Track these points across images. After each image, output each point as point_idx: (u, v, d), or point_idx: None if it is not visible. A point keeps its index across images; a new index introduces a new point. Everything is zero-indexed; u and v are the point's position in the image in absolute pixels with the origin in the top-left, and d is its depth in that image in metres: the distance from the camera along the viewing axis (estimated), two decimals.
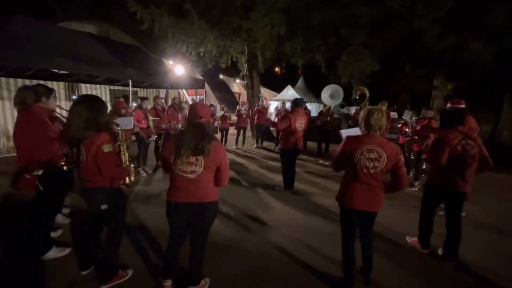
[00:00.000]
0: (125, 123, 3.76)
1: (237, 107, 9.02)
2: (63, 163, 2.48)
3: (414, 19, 6.83)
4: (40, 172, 2.36)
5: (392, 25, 7.52)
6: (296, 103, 4.51)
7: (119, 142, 2.09)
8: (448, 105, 3.66)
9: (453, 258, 2.61)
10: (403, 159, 2.02)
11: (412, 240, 2.96)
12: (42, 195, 2.48)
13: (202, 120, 1.82)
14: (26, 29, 5.13)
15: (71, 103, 7.93)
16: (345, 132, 3.08)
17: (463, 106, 3.56)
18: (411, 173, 5.06)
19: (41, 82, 6.78)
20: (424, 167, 4.88)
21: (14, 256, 2.54)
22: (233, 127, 9.13)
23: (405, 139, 4.88)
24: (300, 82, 18.48)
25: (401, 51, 9.17)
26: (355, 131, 3.12)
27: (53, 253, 2.51)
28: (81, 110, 1.91)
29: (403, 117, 5.23)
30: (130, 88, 6.51)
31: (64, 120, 2.72)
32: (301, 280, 2.34)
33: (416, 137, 4.56)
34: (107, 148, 1.92)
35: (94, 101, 2.02)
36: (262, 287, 2.24)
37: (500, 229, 3.44)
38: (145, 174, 5.29)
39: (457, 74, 9.32)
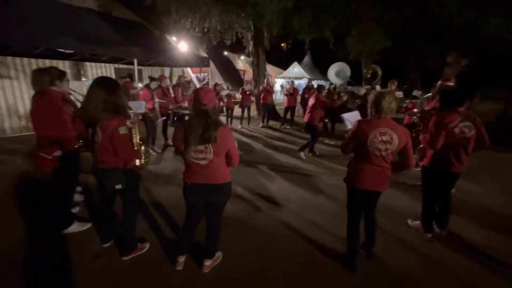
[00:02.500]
0: (137, 107, 3.81)
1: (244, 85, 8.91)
2: (79, 144, 2.56)
3: None
4: (60, 153, 2.47)
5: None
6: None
7: (131, 125, 2.14)
8: (439, 82, 3.67)
9: (445, 227, 2.83)
10: (410, 142, 2.06)
11: (414, 223, 2.99)
12: (61, 174, 2.60)
13: (206, 107, 1.79)
14: (30, 7, 5.03)
15: (77, 82, 7.96)
16: (346, 116, 3.06)
17: (452, 84, 3.56)
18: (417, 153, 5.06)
19: (47, 61, 6.77)
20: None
21: (38, 230, 2.74)
22: (238, 105, 9.09)
23: (413, 119, 4.83)
24: (306, 59, 17.92)
25: (415, 27, 8.75)
26: (355, 115, 3.12)
27: (75, 227, 2.70)
28: (100, 92, 1.95)
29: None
30: (136, 67, 6.46)
31: (76, 102, 2.78)
32: (307, 255, 2.49)
33: (424, 116, 4.51)
34: (122, 130, 1.99)
35: (112, 84, 2.07)
36: (271, 261, 2.39)
37: (503, 209, 3.51)
38: (154, 154, 5.42)
39: (473, 50, 8.94)
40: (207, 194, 1.97)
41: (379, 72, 6.67)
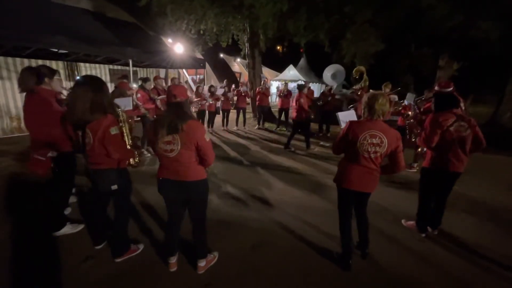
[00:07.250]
0: (124, 104, 3.74)
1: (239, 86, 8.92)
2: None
3: None
4: (55, 154, 2.42)
5: (398, 1, 7.26)
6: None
7: (121, 124, 2.08)
8: (436, 88, 3.40)
9: (437, 227, 2.87)
10: (401, 145, 2.07)
11: (408, 223, 3.00)
12: (58, 176, 2.56)
13: (177, 99, 1.82)
14: (22, 6, 4.97)
15: (72, 83, 7.86)
16: (341, 115, 3.05)
17: (450, 89, 3.27)
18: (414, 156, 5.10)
19: (40, 61, 6.70)
20: (419, 150, 4.90)
21: (29, 231, 2.69)
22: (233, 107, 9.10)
23: (407, 121, 4.88)
24: (302, 62, 18.07)
25: (407, 30, 8.90)
26: (351, 114, 3.12)
27: (67, 229, 2.65)
28: (86, 92, 1.90)
29: (406, 100, 5.19)
30: (131, 68, 6.41)
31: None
32: (302, 255, 2.48)
33: (417, 119, 4.56)
34: (114, 130, 1.95)
35: (98, 83, 2.01)
36: (265, 261, 2.38)
37: (494, 209, 3.56)
38: (149, 155, 5.38)
39: (463, 54, 9.12)
40: (180, 191, 1.95)
41: (365, 72, 6.77)
